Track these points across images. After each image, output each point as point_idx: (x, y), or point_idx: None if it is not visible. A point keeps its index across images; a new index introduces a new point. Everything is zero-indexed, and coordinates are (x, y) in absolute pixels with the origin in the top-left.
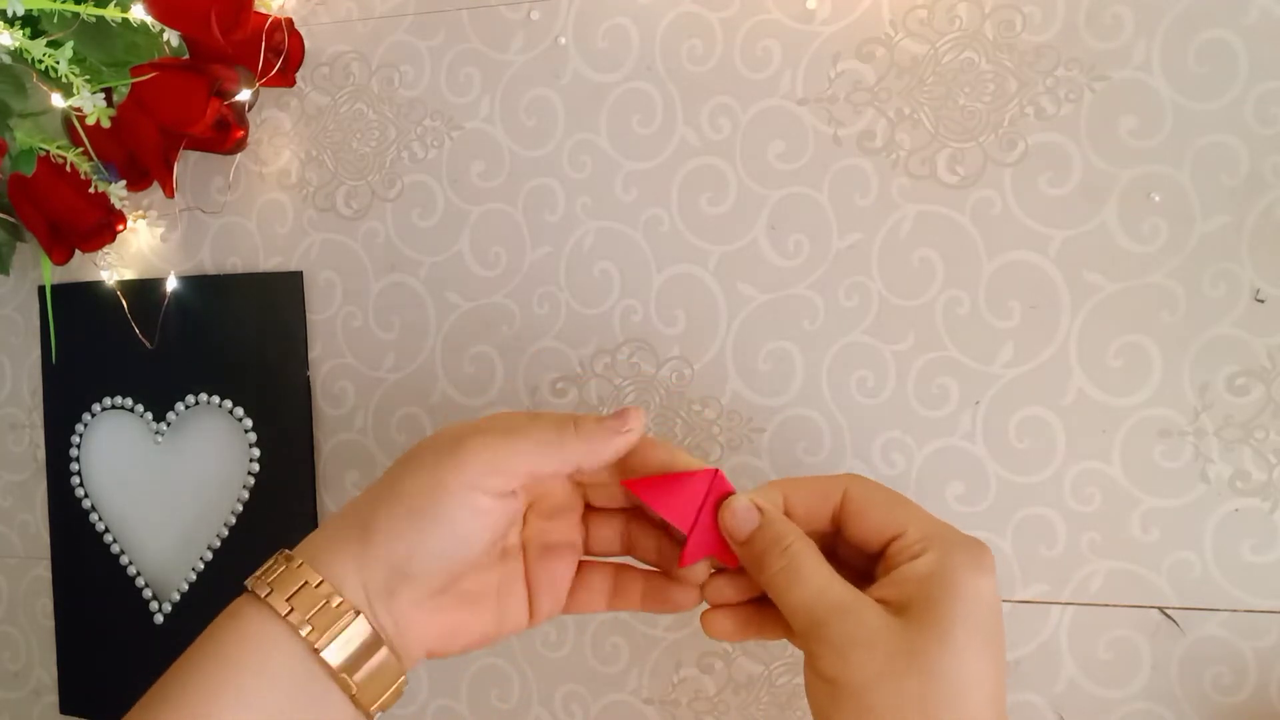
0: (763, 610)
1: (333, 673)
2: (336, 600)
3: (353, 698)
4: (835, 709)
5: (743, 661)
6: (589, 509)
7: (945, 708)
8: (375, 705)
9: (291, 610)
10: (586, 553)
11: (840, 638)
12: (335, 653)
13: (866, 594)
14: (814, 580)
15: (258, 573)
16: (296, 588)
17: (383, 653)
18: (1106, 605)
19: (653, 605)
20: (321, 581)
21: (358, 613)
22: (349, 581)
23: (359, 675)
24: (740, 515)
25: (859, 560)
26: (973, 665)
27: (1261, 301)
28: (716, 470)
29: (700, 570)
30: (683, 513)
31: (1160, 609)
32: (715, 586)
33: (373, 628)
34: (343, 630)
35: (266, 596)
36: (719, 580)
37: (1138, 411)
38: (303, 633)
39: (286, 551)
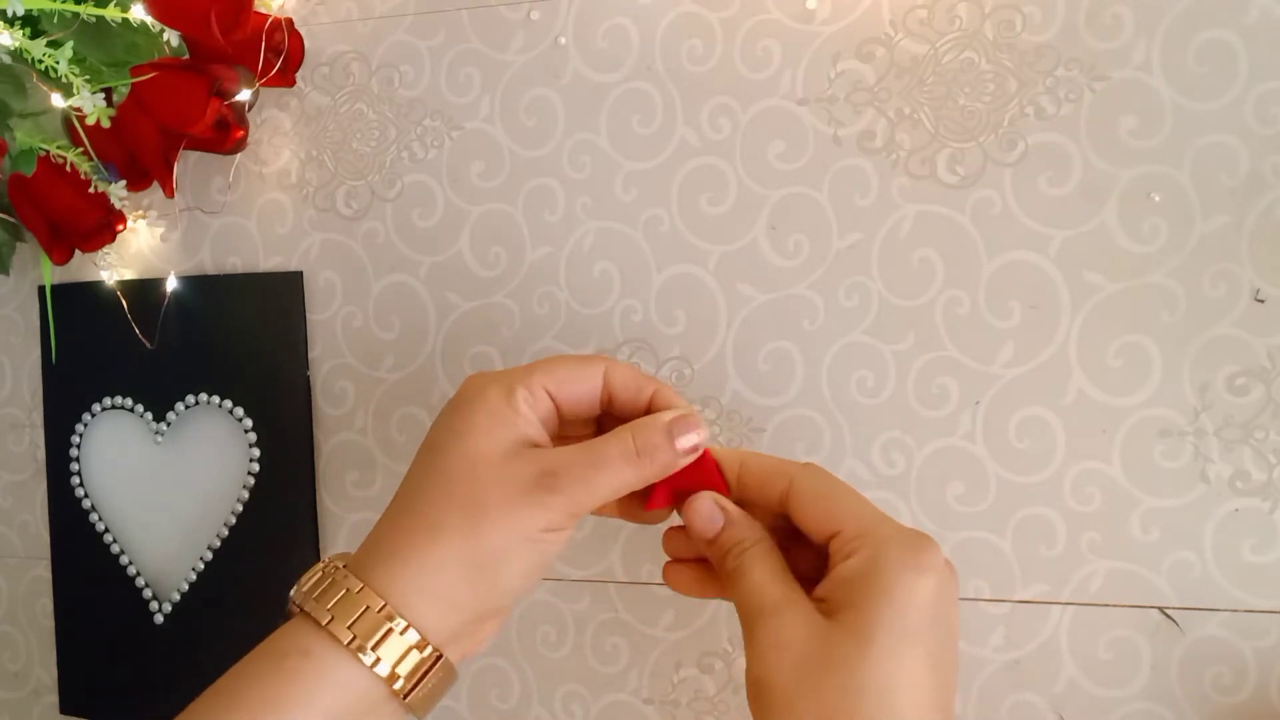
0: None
1: (395, 694)
2: (401, 625)
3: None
4: (759, 710)
5: (742, 661)
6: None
7: (873, 709)
8: (427, 711)
9: (379, 660)
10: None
11: (762, 638)
12: (402, 681)
13: (812, 594)
14: (752, 578)
15: (311, 593)
16: (359, 613)
17: (441, 667)
18: (1106, 605)
19: (628, 516)
20: (384, 606)
21: (448, 660)
22: (434, 627)
23: (417, 694)
24: (705, 516)
25: (810, 552)
26: (900, 670)
27: (1261, 301)
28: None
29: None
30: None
31: (1160, 609)
32: (671, 539)
33: (438, 653)
34: (405, 655)
35: (329, 624)
36: (675, 534)
37: (1138, 411)
38: (385, 677)
39: (338, 567)
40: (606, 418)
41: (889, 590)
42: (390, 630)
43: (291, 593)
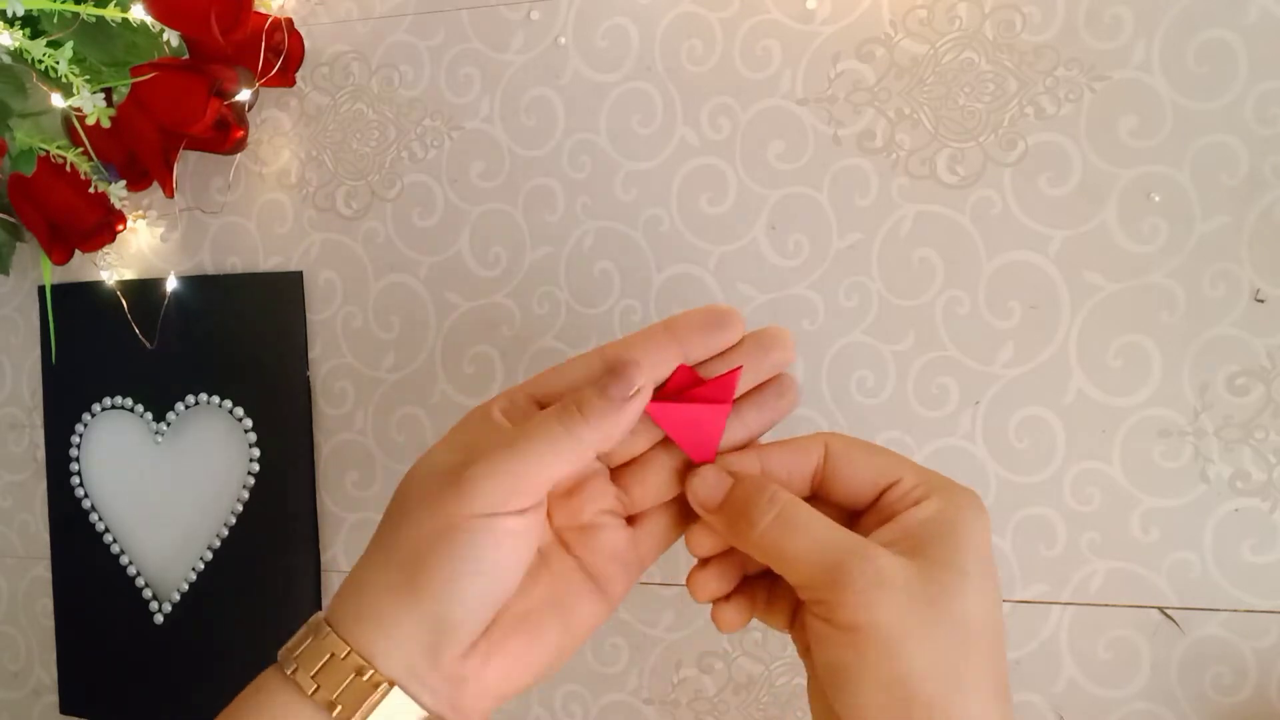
0: (752, 587)
1: None
2: (368, 673)
3: None
4: (860, 660)
5: (743, 661)
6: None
7: (966, 647)
8: None
9: (318, 688)
10: (634, 508)
11: (862, 579)
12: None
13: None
14: (817, 524)
15: (289, 643)
16: (322, 661)
17: (389, 700)
18: (1106, 605)
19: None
20: (350, 652)
21: (392, 684)
22: (380, 649)
23: None
24: (711, 480)
25: (841, 520)
26: (987, 606)
27: (1261, 301)
28: (735, 371)
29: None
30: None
31: (1160, 609)
32: (694, 537)
33: (415, 700)
34: (376, 706)
35: (292, 673)
36: (697, 531)
37: (1137, 411)
38: (333, 714)
39: (319, 617)
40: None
41: (970, 533)
42: (331, 656)
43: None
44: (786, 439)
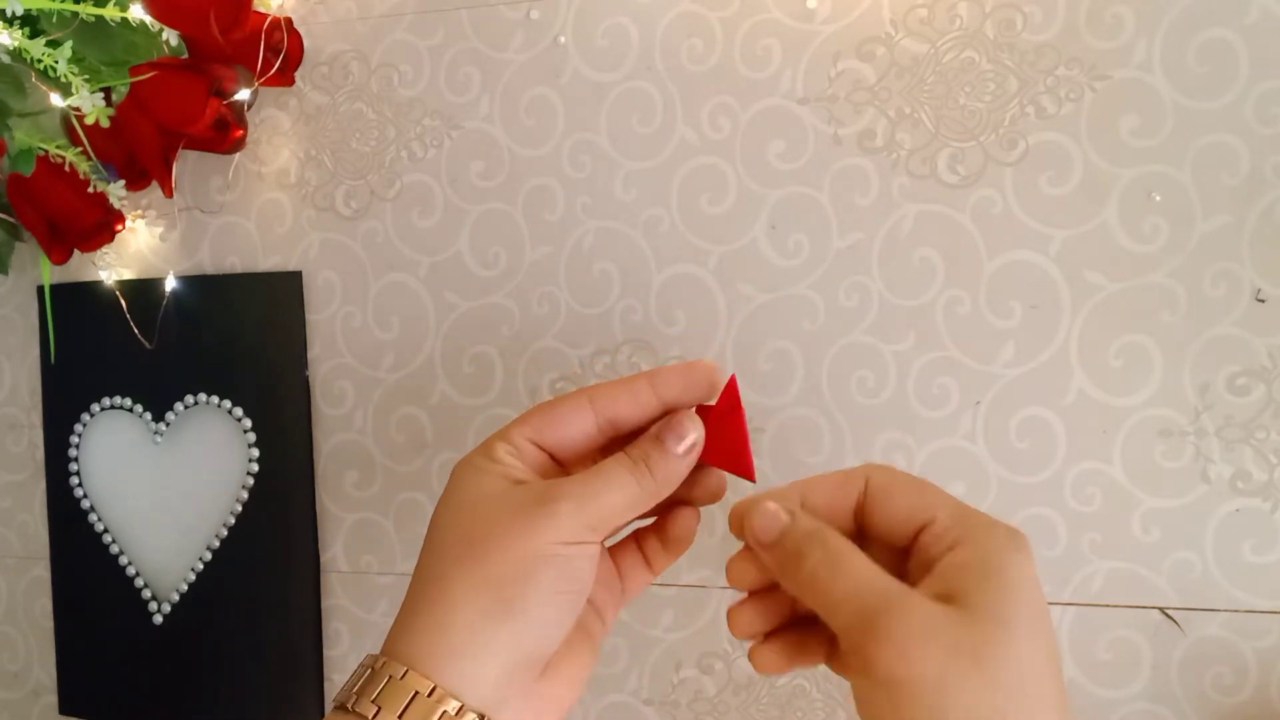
0: (798, 631)
1: None
2: (456, 707)
3: None
4: (896, 715)
5: (743, 662)
6: None
7: (1015, 702)
8: None
9: None
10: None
11: (900, 631)
12: None
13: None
14: (862, 570)
15: (353, 687)
16: (407, 700)
17: None
18: (1107, 605)
19: (670, 547)
20: (434, 689)
21: (482, 717)
22: (468, 682)
23: None
24: (769, 515)
25: (886, 559)
26: (1036, 654)
27: (1262, 301)
28: (731, 378)
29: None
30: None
31: (1161, 609)
32: (736, 569)
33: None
34: None
35: (375, 716)
36: (740, 561)
37: (1138, 411)
38: None
39: (378, 658)
40: (616, 444)
41: (1009, 576)
42: (415, 696)
43: (333, 700)
44: (829, 472)
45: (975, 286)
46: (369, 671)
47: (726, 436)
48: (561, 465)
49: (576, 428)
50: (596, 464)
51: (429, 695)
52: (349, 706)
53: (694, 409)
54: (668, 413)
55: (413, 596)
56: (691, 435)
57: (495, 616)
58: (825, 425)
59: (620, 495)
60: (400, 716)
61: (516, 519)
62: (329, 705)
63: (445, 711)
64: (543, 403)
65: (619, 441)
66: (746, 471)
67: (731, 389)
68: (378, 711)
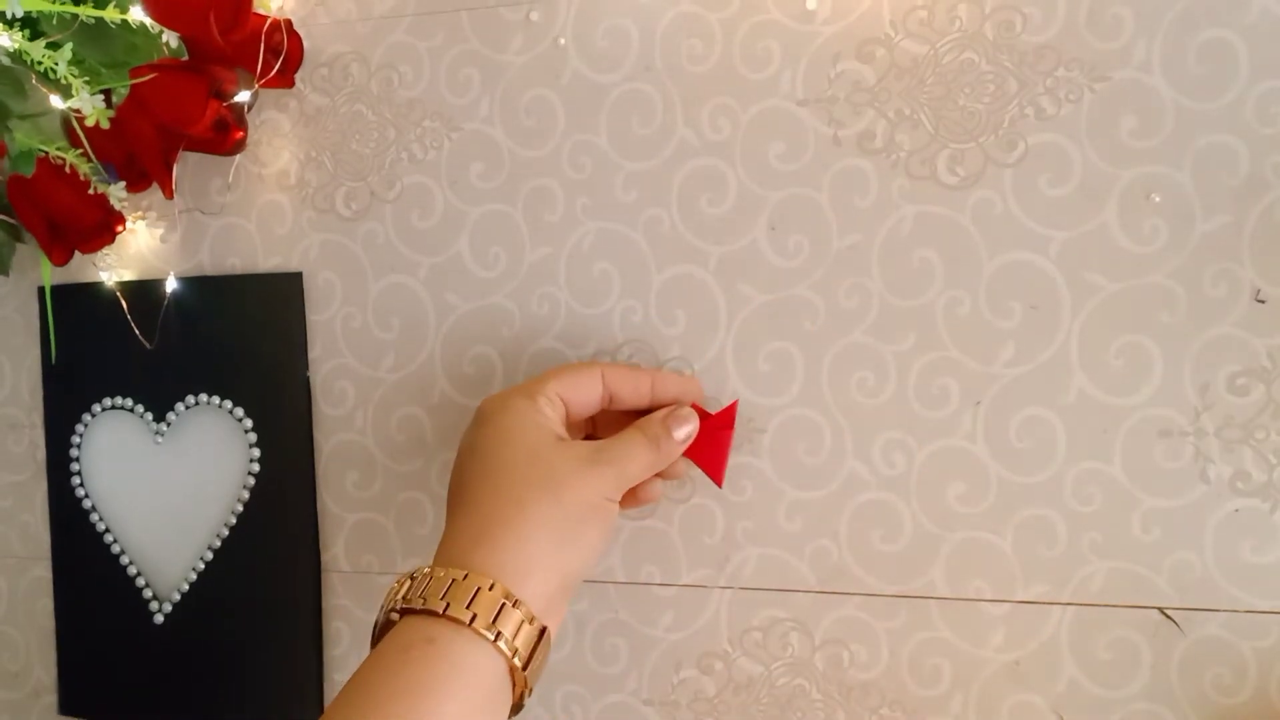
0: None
1: (514, 669)
2: (529, 615)
3: (523, 693)
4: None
5: (743, 662)
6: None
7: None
8: (533, 686)
9: (499, 634)
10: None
11: None
12: (518, 657)
13: None
14: None
15: (440, 594)
16: (497, 609)
17: (545, 640)
18: (1107, 605)
19: (636, 504)
20: (517, 600)
21: (545, 629)
22: (529, 594)
23: (532, 667)
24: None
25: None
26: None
27: (1262, 302)
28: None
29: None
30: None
31: (1160, 609)
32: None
33: (543, 625)
34: (519, 630)
35: (472, 622)
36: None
37: (1138, 411)
38: (508, 653)
39: (452, 570)
40: (603, 415)
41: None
42: (504, 606)
43: (384, 607)
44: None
45: (975, 287)
46: (429, 579)
47: (713, 446)
48: (568, 423)
49: (591, 394)
50: (618, 435)
51: (490, 589)
52: (442, 612)
53: (693, 406)
54: (654, 404)
55: (476, 511)
56: (689, 426)
57: (564, 546)
58: (825, 425)
59: (641, 464)
60: (468, 607)
61: (580, 471)
62: (380, 620)
63: (504, 604)
64: (564, 365)
65: (605, 413)
66: (718, 478)
67: (731, 411)
68: (448, 606)
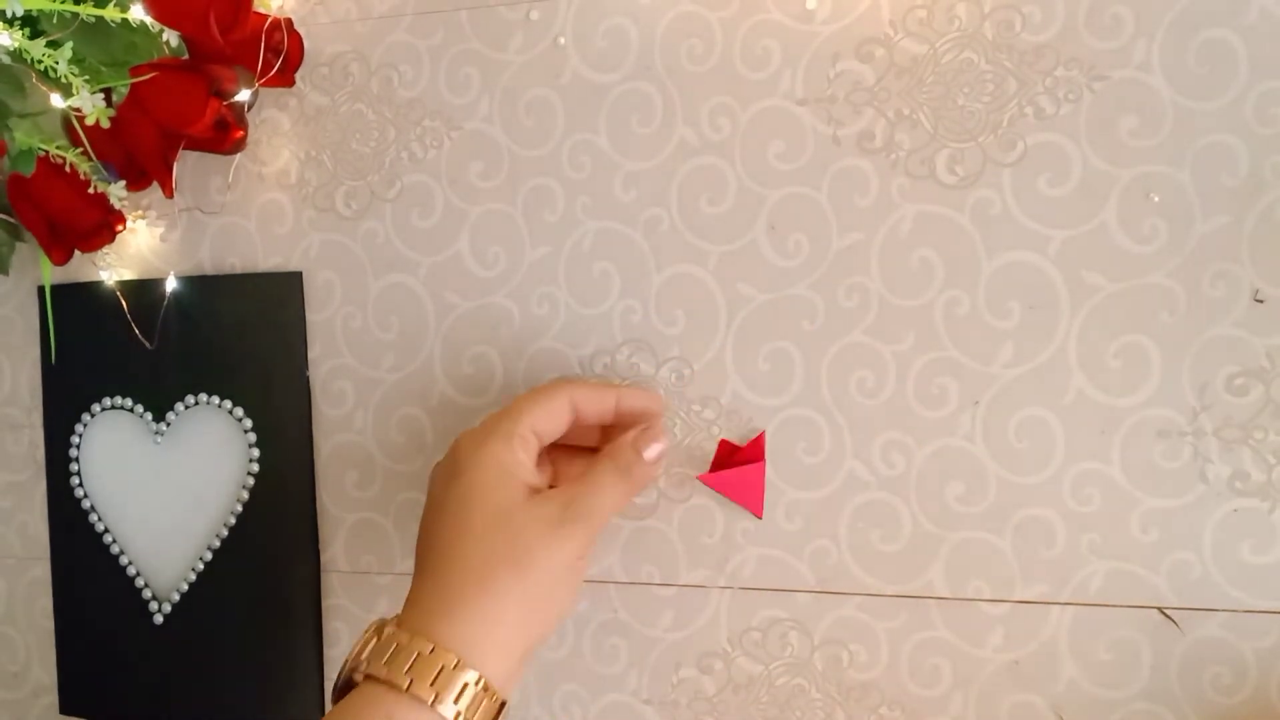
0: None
1: None
2: (493, 695)
3: None
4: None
5: (742, 662)
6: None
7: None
8: None
9: (459, 715)
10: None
11: None
12: None
13: None
14: None
15: (404, 668)
16: (459, 688)
17: (504, 713)
18: (1106, 606)
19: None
20: (480, 678)
21: (504, 704)
22: (491, 670)
23: None
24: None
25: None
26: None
27: (1261, 302)
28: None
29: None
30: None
31: (1160, 609)
32: None
33: (503, 699)
34: (479, 707)
35: (434, 702)
36: None
37: (1137, 412)
38: None
39: (419, 640)
40: (573, 430)
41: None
42: (466, 685)
43: (348, 664)
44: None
45: (974, 287)
46: (394, 645)
47: (748, 480)
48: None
49: (562, 421)
50: (589, 474)
51: (454, 668)
52: (405, 688)
53: (661, 421)
54: (619, 418)
55: (441, 582)
56: (659, 446)
57: (530, 617)
58: (825, 425)
59: (614, 499)
60: (431, 684)
61: (546, 538)
62: (343, 674)
63: (466, 683)
64: (535, 394)
65: (576, 428)
66: (757, 510)
67: (759, 442)
68: (411, 683)
